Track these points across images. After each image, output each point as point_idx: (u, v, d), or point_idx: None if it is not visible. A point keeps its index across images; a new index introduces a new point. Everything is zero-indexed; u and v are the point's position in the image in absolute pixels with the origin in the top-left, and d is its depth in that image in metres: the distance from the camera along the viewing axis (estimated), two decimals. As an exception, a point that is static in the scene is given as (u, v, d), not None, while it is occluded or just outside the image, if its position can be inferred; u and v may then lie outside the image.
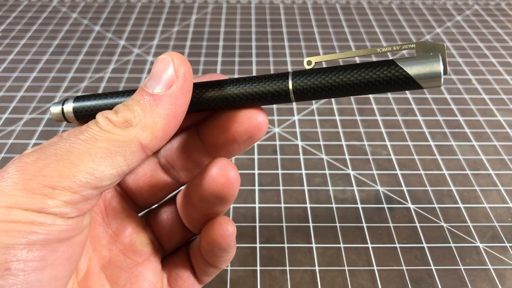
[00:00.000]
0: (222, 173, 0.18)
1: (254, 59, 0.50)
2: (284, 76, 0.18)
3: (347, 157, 0.38)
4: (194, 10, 0.60)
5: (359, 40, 0.54)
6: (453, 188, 0.35)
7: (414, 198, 0.34)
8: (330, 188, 0.35)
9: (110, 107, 0.18)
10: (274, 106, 0.43)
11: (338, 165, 0.37)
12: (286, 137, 0.40)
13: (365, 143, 0.39)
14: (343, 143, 0.39)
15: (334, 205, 0.34)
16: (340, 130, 0.41)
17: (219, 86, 0.19)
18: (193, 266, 0.22)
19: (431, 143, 0.39)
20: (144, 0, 0.62)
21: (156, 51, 0.51)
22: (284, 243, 0.31)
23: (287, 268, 0.30)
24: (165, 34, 0.55)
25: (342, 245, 0.31)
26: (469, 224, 0.32)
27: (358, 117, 0.42)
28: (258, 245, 0.31)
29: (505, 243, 0.31)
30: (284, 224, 0.32)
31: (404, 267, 0.30)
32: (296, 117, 0.42)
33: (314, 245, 0.31)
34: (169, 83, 0.17)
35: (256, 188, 0.35)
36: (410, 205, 0.34)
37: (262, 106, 0.20)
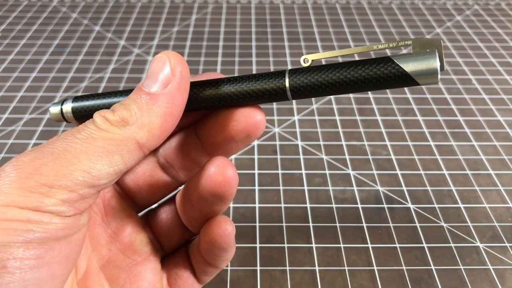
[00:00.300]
0: (220, 172, 0.18)
1: (254, 59, 0.50)
2: (281, 74, 0.18)
3: (347, 157, 0.38)
4: (194, 10, 0.60)
5: (359, 40, 0.54)
6: (453, 188, 0.35)
7: (414, 198, 0.34)
8: (330, 188, 0.35)
9: (108, 106, 0.18)
10: (274, 106, 0.43)
11: (338, 165, 0.37)
12: (286, 137, 0.40)
13: (365, 143, 0.39)
14: (343, 143, 0.39)
15: (334, 205, 0.34)
16: (340, 130, 0.41)
17: (216, 85, 0.19)
18: (193, 266, 0.22)
19: (431, 143, 0.39)
20: (144, 0, 0.62)
21: (156, 51, 0.51)
22: (284, 243, 0.31)
23: (287, 268, 0.30)
24: (165, 34, 0.55)
25: (342, 245, 0.31)
26: (469, 224, 0.32)
27: (358, 117, 0.42)
28: (258, 245, 0.31)
29: (505, 243, 0.31)
30: (284, 224, 0.32)
31: (404, 267, 0.30)
32: (296, 117, 0.42)
33: (314, 245, 0.31)
34: (165, 82, 0.17)
35: (256, 188, 0.35)
36: (410, 205, 0.34)
37: (260, 105, 0.20)
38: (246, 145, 0.20)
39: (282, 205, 0.34)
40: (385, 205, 0.34)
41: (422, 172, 0.36)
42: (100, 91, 0.45)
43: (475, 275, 0.29)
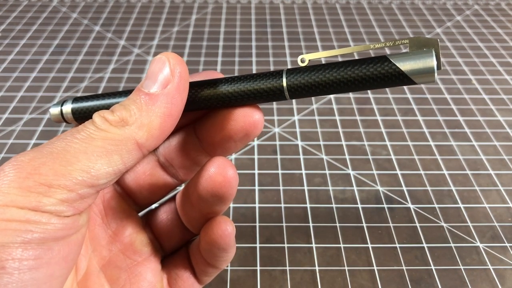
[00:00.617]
0: (220, 172, 0.18)
1: (254, 59, 0.50)
2: (278, 74, 0.19)
3: (347, 157, 0.38)
4: (194, 10, 0.60)
5: (359, 40, 0.54)
6: (453, 188, 0.35)
7: (414, 198, 0.34)
8: (330, 188, 0.35)
9: (108, 107, 0.18)
10: (274, 106, 0.43)
11: (338, 165, 0.37)
12: (286, 137, 0.40)
13: (365, 143, 0.39)
14: (343, 143, 0.39)
15: (334, 205, 0.34)
16: (340, 130, 0.41)
17: (214, 85, 0.19)
18: (193, 267, 0.22)
19: (431, 143, 0.39)
20: (144, 0, 0.62)
21: (156, 51, 0.51)
22: (284, 243, 0.31)
23: (287, 268, 0.30)
24: (165, 34, 0.55)
25: (342, 245, 0.31)
26: (469, 224, 0.32)
27: (358, 117, 0.42)
28: (258, 245, 0.31)
29: (505, 243, 0.31)
30: (284, 224, 0.32)
31: (404, 267, 0.30)
32: (296, 117, 0.42)
33: (314, 245, 0.31)
34: (165, 82, 0.18)
35: (256, 188, 0.35)
36: (410, 205, 0.34)
37: (260, 105, 0.20)
38: (245, 144, 0.21)
39: (282, 205, 0.34)
40: (385, 205, 0.34)
41: (422, 172, 0.36)
42: (100, 91, 0.45)
43: (475, 275, 0.29)
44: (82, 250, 0.20)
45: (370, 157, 0.38)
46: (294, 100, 0.44)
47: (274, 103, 0.43)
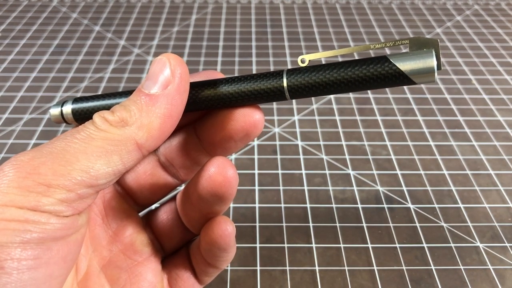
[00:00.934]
0: (220, 172, 0.18)
1: (254, 59, 0.50)
2: (279, 74, 0.19)
3: (347, 157, 0.38)
4: (194, 10, 0.60)
5: (359, 40, 0.54)
6: (453, 188, 0.35)
7: (414, 198, 0.34)
8: (330, 188, 0.35)
9: (108, 108, 0.18)
10: (274, 106, 0.43)
11: (338, 165, 0.37)
12: (286, 137, 0.40)
13: (365, 143, 0.39)
14: (343, 143, 0.39)
15: (334, 205, 0.34)
16: (340, 130, 0.41)
17: (214, 86, 0.19)
18: (193, 267, 0.22)
19: (431, 143, 0.39)
20: (144, 0, 0.62)
21: (156, 51, 0.51)
22: (284, 243, 0.31)
23: (287, 268, 0.30)
24: (165, 34, 0.55)
25: (342, 245, 0.31)
26: (469, 224, 0.32)
27: (358, 117, 0.42)
28: (258, 245, 0.31)
29: (505, 243, 0.31)
30: (284, 224, 0.32)
31: (404, 267, 0.30)
32: (296, 117, 0.42)
33: (314, 245, 0.31)
34: (165, 83, 0.18)
35: (256, 188, 0.35)
36: (410, 205, 0.34)
37: (260, 105, 0.20)
38: (245, 144, 0.21)
39: (282, 205, 0.34)
40: (385, 205, 0.34)
41: (422, 172, 0.36)
42: (100, 91, 0.45)
43: (475, 275, 0.29)
44: (83, 250, 0.20)
45: (370, 157, 0.38)
46: (294, 100, 0.44)
47: (274, 103, 0.43)
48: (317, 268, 0.30)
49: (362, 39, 0.54)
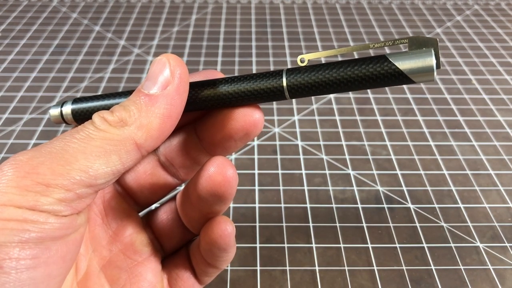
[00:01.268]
0: (220, 172, 0.18)
1: (254, 59, 0.50)
2: (278, 73, 0.19)
3: (347, 157, 0.38)
4: (194, 10, 0.60)
5: (359, 40, 0.54)
6: (453, 188, 0.35)
7: (414, 198, 0.34)
8: (330, 188, 0.35)
9: (108, 108, 0.18)
10: (274, 106, 0.43)
11: (338, 165, 0.37)
12: (286, 137, 0.40)
13: (365, 143, 0.39)
14: (343, 143, 0.39)
15: (334, 205, 0.34)
16: (340, 130, 0.41)
17: (214, 86, 0.19)
18: (193, 267, 0.22)
19: (431, 143, 0.39)
20: (144, 0, 0.62)
21: (156, 51, 0.51)
22: (284, 243, 0.31)
23: (287, 268, 0.30)
24: (165, 34, 0.55)
25: (342, 245, 0.31)
26: (469, 224, 0.32)
27: (358, 117, 0.42)
28: (258, 245, 0.31)
29: (505, 243, 0.31)
30: (284, 224, 0.32)
31: (404, 267, 0.30)
32: (296, 117, 0.42)
33: (314, 245, 0.31)
34: (165, 84, 0.18)
35: (256, 188, 0.35)
36: (410, 205, 0.34)
37: (260, 104, 0.20)
38: (245, 143, 0.21)
39: (282, 205, 0.34)
40: (385, 205, 0.34)
41: (422, 172, 0.36)
42: (100, 91, 0.45)
43: (475, 275, 0.29)
44: (83, 250, 0.20)
45: (370, 157, 0.38)
46: (294, 100, 0.44)
47: (274, 103, 0.43)
48: (317, 268, 0.30)
49: (362, 39, 0.54)
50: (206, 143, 0.21)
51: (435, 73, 0.17)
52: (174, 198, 0.23)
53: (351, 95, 0.45)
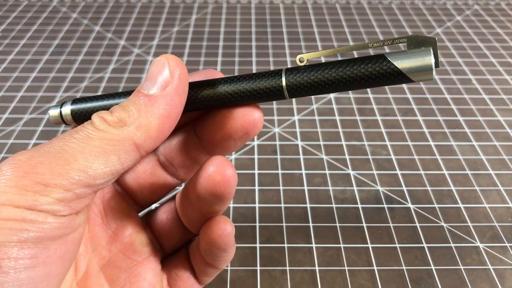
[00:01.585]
0: (219, 171, 0.18)
1: (254, 59, 0.50)
2: (277, 73, 0.19)
3: (347, 157, 0.38)
4: (194, 10, 0.60)
5: (359, 40, 0.54)
6: (453, 188, 0.35)
7: (414, 198, 0.34)
8: (330, 188, 0.35)
9: (107, 108, 0.19)
10: (274, 106, 0.43)
11: (338, 165, 0.37)
12: (286, 137, 0.40)
13: (365, 143, 0.39)
14: (343, 143, 0.39)
15: (334, 205, 0.34)
16: (340, 130, 0.41)
17: (213, 86, 0.19)
18: (193, 267, 0.22)
19: (431, 143, 0.39)
20: (144, 0, 0.62)
21: (156, 51, 0.51)
22: (284, 243, 0.31)
23: (287, 268, 0.30)
24: (165, 34, 0.55)
25: (342, 245, 0.31)
26: (469, 224, 0.32)
27: (358, 117, 0.42)
28: (258, 245, 0.31)
29: (505, 243, 0.31)
30: (284, 224, 0.32)
31: (404, 267, 0.30)
32: (296, 117, 0.42)
33: (314, 245, 0.31)
34: (164, 84, 0.18)
35: (256, 188, 0.35)
36: (410, 205, 0.34)
37: (260, 104, 0.20)
38: (245, 143, 0.21)
39: (282, 205, 0.34)
40: (385, 205, 0.34)
41: (422, 172, 0.36)
42: (100, 91, 0.45)
43: (475, 275, 0.29)
44: (82, 250, 0.20)
45: (370, 157, 0.38)
46: (294, 100, 0.44)
47: (274, 103, 0.43)
48: (317, 268, 0.30)
49: (362, 39, 0.54)
50: (206, 142, 0.21)
51: (434, 72, 0.17)
52: (173, 198, 0.23)
53: (351, 95, 0.45)
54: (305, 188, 0.35)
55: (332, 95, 0.45)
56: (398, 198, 0.34)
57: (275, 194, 0.35)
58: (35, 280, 0.15)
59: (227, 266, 0.30)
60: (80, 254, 0.20)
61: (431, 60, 0.17)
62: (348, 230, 0.32)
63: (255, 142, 0.39)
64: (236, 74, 0.48)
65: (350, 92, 0.45)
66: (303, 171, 0.36)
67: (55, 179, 0.15)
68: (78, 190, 0.16)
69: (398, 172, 0.36)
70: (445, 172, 0.36)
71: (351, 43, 0.53)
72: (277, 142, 0.39)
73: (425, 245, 0.31)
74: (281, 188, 0.35)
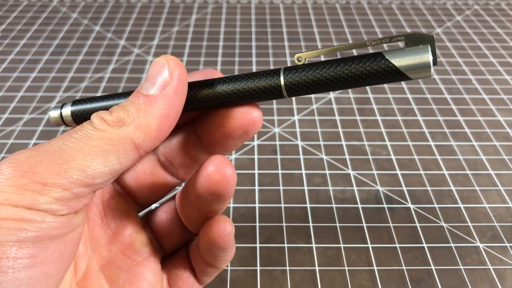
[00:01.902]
0: (218, 170, 0.18)
1: (254, 59, 0.50)
2: (276, 72, 0.19)
3: (347, 157, 0.38)
4: (194, 10, 0.60)
5: (359, 40, 0.54)
6: (453, 188, 0.35)
7: (414, 198, 0.34)
8: (330, 188, 0.35)
9: (107, 109, 0.19)
10: (274, 106, 0.43)
11: (338, 165, 0.37)
12: (286, 137, 0.40)
13: (365, 143, 0.39)
14: (343, 143, 0.39)
15: (334, 205, 0.34)
16: (340, 130, 0.40)
17: (212, 86, 0.19)
18: (193, 267, 0.22)
19: (431, 143, 0.39)
20: (144, 0, 0.62)
21: (156, 51, 0.51)
22: (284, 243, 0.31)
23: (287, 268, 0.30)
24: (165, 34, 0.55)
25: (342, 245, 0.31)
26: (469, 224, 0.32)
27: (358, 117, 0.42)
28: (258, 245, 0.31)
29: (505, 243, 0.31)
30: (284, 224, 0.32)
31: (404, 267, 0.30)
32: (296, 117, 0.42)
33: (314, 245, 0.31)
34: (164, 84, 0.18)
35: (256, 188, 0.35)
36: (410, 205, 0.34)
37: (260, 104, 0.20)
38: (244, 142, 0.21)
39: (282, 205, 0.34)
40: (385, 205, 0.34)
41: (422, 172, 0.36)
42: (100, 91, 0.45)
43: (475, 275, 0.29)
44: (82, 250, 0.20)
45: (370, 157, 0.38)
46: (294, 100, 0.44)
47: (274, 103, 0.43)
48: (317, 268, 0.30)
49: (362, 39, 0.54)
50: (206, 141, 0.21)
51: (431, 69, 0.17)
52: (173, 198, 0.23)
53: (351, 95, 0.45)
54: (305, 188, 0.35)
55: (332, 95, 0.45)
56: (398, 198, 0.34)
57: (275, 194, 0.35)
58: (34, 279, 0.15)
59: (227, 266, 0.30)
60: (80, 254, 0.20)
61: (429, 57, 0.17)
62: (348, 230, 0.32)
63: (255, 142, 0.39)
64: (236, 74, 0.48)
65: (350, 92, 0.45)
66: (303, 171, 0.36)
67: (54, 178, 0.15)
68: (77, 189, 0.16)
69: (398, 172, 0.36)
70: (445, 172, 0.36)
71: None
72: (277, 142, 0.39)
73: (425, 245, 0.31)
74: (281, 188, 0.35)
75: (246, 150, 0.38)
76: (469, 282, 0.29)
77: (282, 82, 0.18)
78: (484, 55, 0.51)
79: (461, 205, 0.34)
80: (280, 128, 0.41)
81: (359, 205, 0.34)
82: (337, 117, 0.42)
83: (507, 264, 0.30)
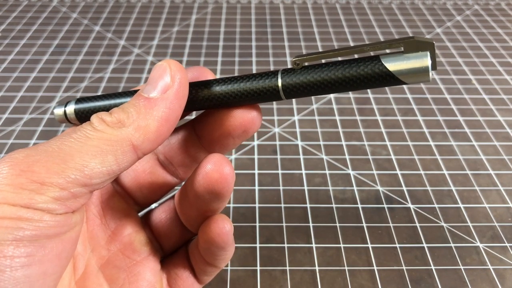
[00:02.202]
0: (216, 169, 0.18)
1: (254, 59, 0.50)
2: (274, 74, 0.19)
3: (347, 157, 0.38)
4: (194, 10, 0.60)
5: (359, 40, 0.54)
6: (453, 188, 0.35)
7: (414, 198, 0.34)
8: (330, 188, 0.35)
9: (111, 108, 0.19)
10: (274, 106, 0.43)
11: (338, 165, 0.37)
12: (286, 137, 0.40)
13: (365, 143, 0.39)
14: (343, 143, 0.39)
15: (334, 205, 0.34)
16: (340, 130, 0.40)
17: (211, 87, 0.19)
18: (193, 266, 0.22)
19: (431, 143, 0.39)
20: (144, 0, 0.62)
21: (156, 51, 0.51)
22: (284, 243, 0.31)
23: (287, 268, 0.30)
24: (165, 34, 0.55)
25: (342, 245, 0.31)
26: (469, 224, 0.32)
27: (358, 117, 0.42)
28: (258, 245, 0.31)
29: (505, 243, 0.31)
30: (284, 224, 0.32)
31: (404, 267, 0.30)
32: (296, 117, 0.42)
33: (314, 245, 0.31)
34: (165, 88, 0.18)
35: (256, 188, 0.35)
36: (410, 205, 0.34)
37: (260, 105, 0.20)
38: (243, 141, 0.21)
39: (282, 205, 0.34)
40: (385, 205, 0.34)
41: (422, 172, 0.36)
42: (100, 91, 0.45)
43: (475, 275, 0.29)
44: (81, 250, 0.20)
45: (370, 157, 0.38)
46: (294, 100, 0.44)
47: (274, 103, 0.43)
48: (317, 268, 0.30)
49: (362, 39, 0.54)
50: (205, 140, 0.21)
51: (430, 75, 0.17)
52: (172, 197, 0.23)
53: (351, 95, 0.45)
54: (305, 188, 0.35)
55: (332, 95, 0.45)
56: (398, 198, 0.34)
57: (275, 194, 0.35)
58: (31, 278, 0.15)
59: (227, 266, 0.30)
60: (79, 253, 0.20)
61: (427, 63, 0.17)
62: (348, 230, 0.32)
63: (255, 142, 0.39)
64: (236, 74, 0.48)
65: (350, 92, 0.45)
66: (303, 171, 0.36)
67: (51, 178, 0.15)
68: (74, 189, 0.16)
69: (398, 172, 0.36)
70: (445, 172, 0.36)
71: (351, 43, 0.53)
72: (277, 142, 0.39)
73: (425, 245, 0.31)
74: (281, 188, 0.35)
75: (246, 150, 0.38)
76: (469, 282, 0.29)
77: (280, 84, 0.19)
78: (484, 55, 0.51)
79: (461, 205, 0.34)
80: (280, 128, 0.41)
81: (359, 205, 0.34)
82: (337, 117, 0.42)
83: (507, 264, 0.30)
